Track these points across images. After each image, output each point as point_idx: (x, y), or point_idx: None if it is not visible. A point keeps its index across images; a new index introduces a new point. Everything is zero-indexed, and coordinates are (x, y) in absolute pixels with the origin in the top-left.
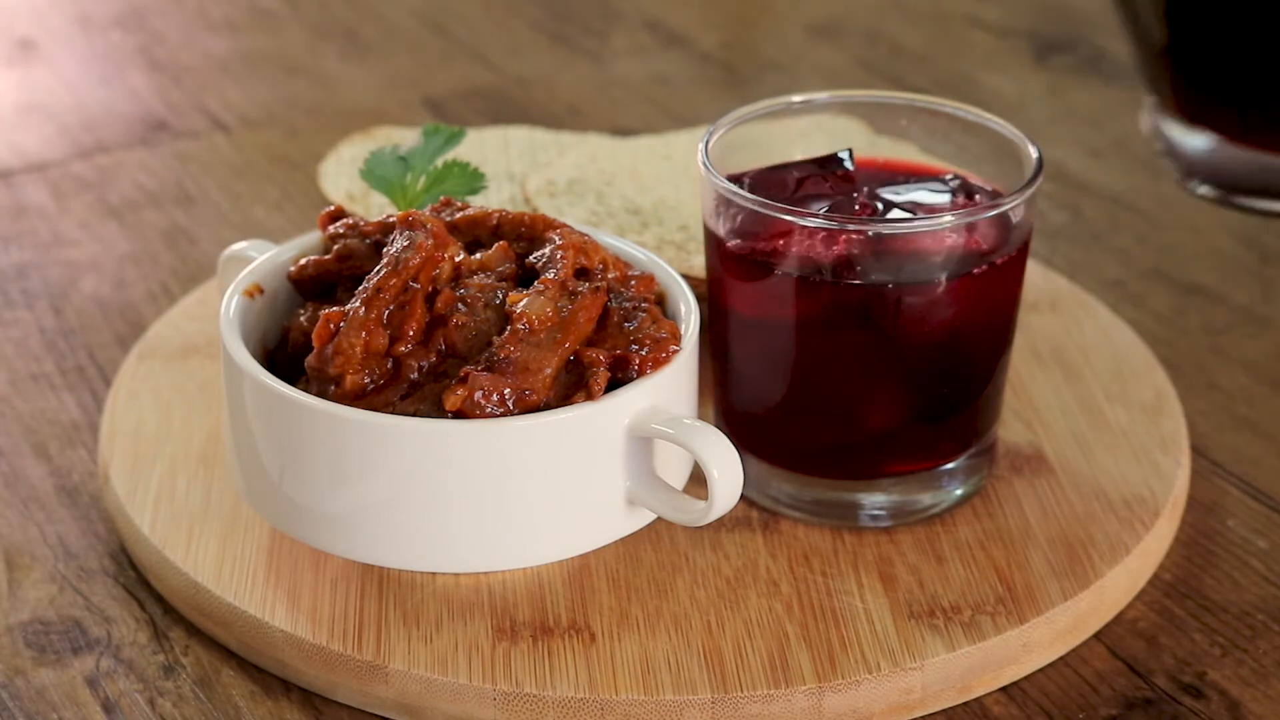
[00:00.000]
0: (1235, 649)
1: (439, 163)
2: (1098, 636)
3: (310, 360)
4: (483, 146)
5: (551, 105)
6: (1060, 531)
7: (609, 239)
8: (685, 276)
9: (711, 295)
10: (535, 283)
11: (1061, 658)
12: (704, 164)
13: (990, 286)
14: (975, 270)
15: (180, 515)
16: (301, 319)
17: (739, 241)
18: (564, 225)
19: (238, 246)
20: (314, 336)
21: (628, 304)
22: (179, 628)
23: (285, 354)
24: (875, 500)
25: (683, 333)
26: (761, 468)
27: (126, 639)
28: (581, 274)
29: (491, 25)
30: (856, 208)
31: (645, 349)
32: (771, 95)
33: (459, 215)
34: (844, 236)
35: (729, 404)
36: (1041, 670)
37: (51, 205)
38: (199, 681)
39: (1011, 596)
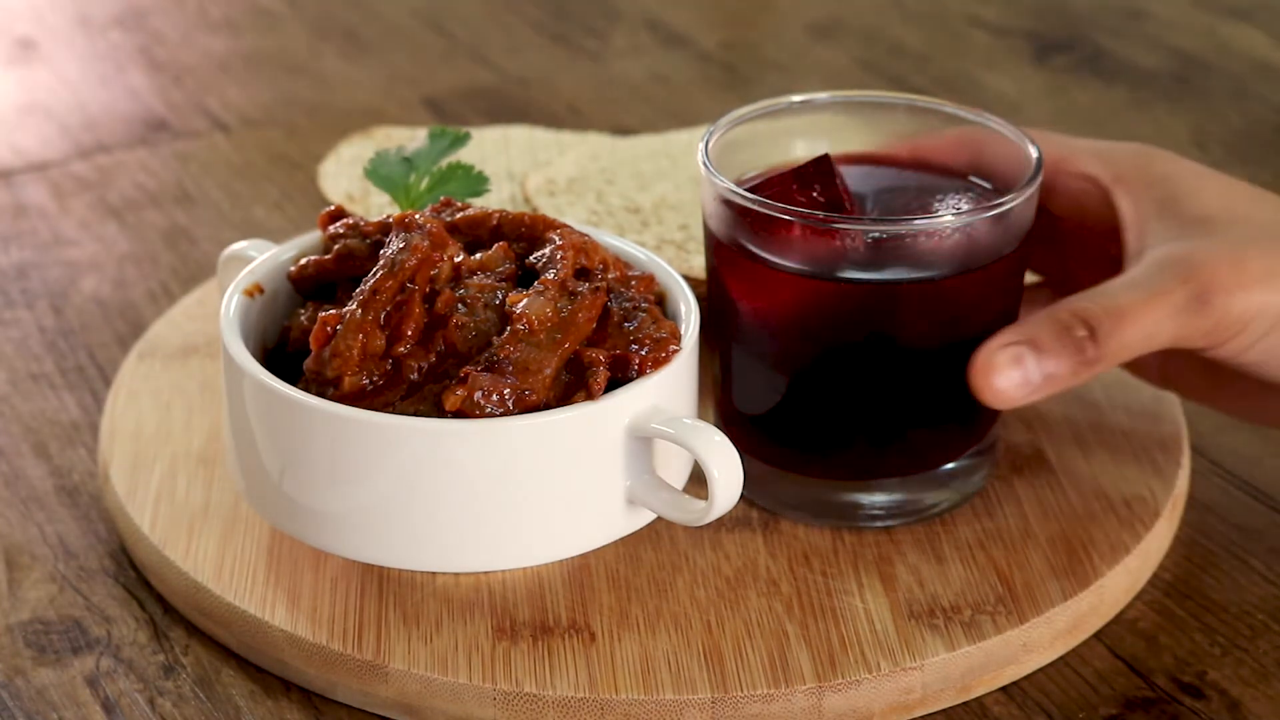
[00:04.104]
0: (1235, 649)
1: (442, 164)
2: (1098, 636)
3: (308, 363)
4: (483, 146)
5: (551, 105)
6: (1060, 531)
7: (609, 239)
8: (684, 277)
9: (711, 295)
10: (535, 283)
11: (1061, 658)
12: (704, 164)
13: (991, 285)
14: (976, 269)
15: (180, 515)
16: (301, 319)
17: (738, 241)
18: (564, 225)
19: (238, 246)
20: (311, 339)
21: (628, 304)
22: (179, 628)
23: (285, 354)
24: (875, 500)
25: (683, 333)
26: (761, 468)
27: (126, 639)
28: (581, 274)
29: (491, 25)
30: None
31: (645, 349)
32: (771, 95)
33: (459, 215)
34: (844, 236)
35: (729, 404)
36: (1041, 670)
37: (51, 205)
38: (199, 681)
39: (1011, 596)
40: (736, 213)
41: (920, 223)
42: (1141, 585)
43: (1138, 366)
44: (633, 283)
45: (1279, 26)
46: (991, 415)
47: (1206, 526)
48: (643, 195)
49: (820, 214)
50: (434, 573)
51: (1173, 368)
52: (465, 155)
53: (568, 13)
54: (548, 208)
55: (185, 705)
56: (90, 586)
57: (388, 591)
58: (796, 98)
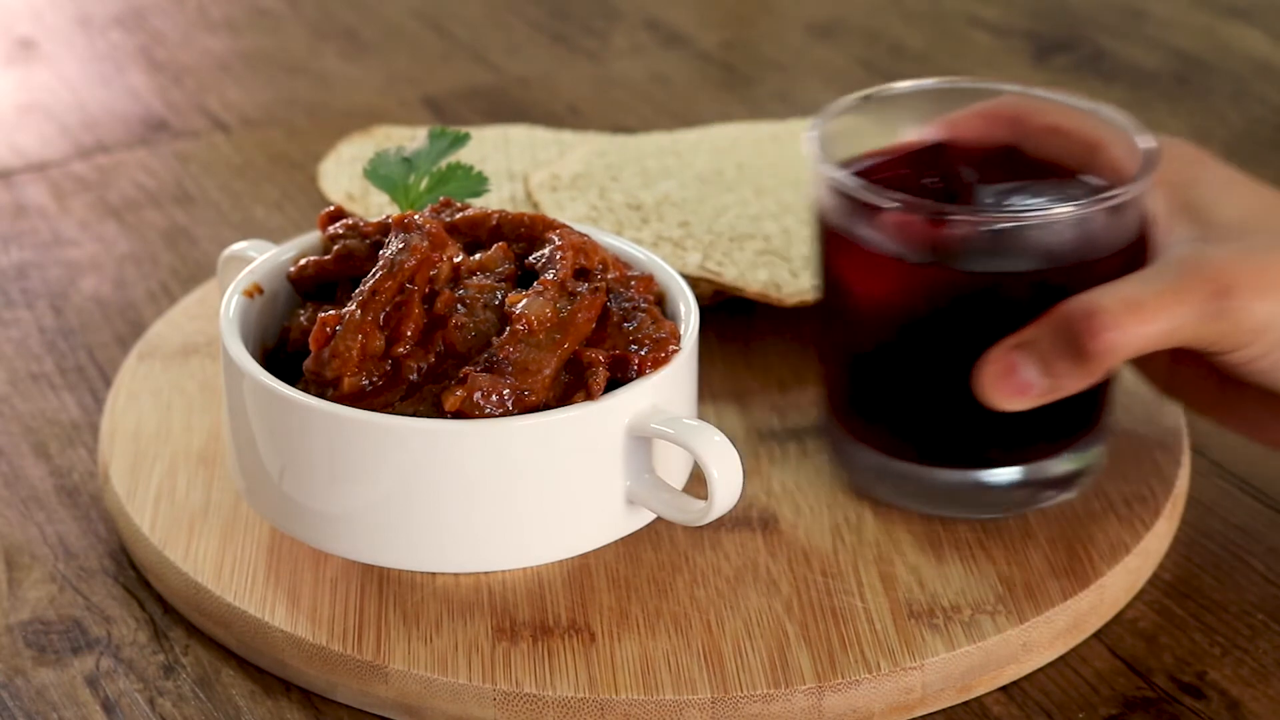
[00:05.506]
0: (1235, 649)
1: (442, 164)
2: (1098, 636)
3: (308, 364)
4: (483, 146)
5: (551, 105)
6: (1060, 531)
7: (609, 239)
8: (681, 274)
9: (828, 290)
10: (534, 283)
11: (1061, 657)
12: (815, 153)
13: (1107, 278)
14: (1096, 259)
15: (180, 515)
16: (301, 319)
17: (851, 230)
18: (563, 226)
19: (238, 246)
20: (310, 340)
21: (627, 304)
22: (179, 628)
23: (285, 354)
24: (994, 487)
25: (682, 333)
26: (883, 461)
27: (126, 639)
28: (581, 274)
29: (491, 25)
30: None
31: (645, 349)
32: (771, 95)
33: (458, 216)
34: (960, 225)
35: (842, 395)
36: (1041, 670)
37: (51, 205)
38: (199, 681)
39: (1011, 596)
40: (849, 202)
41: (1037, 212)
42: (1141, 585)
43: (1147, 372)
44: (632, 283)
45: (1279, 26)
46: (1106, 399)
47: (1206, 526)
48: (646, 193)
49: (939, 203)
50: (434, 573)
51: (1181, 377)
52: (465, 155)
53: (568, 13)
54: (549, 203)
55: (185, 705)
56: (90, 586)
57: (388, 591)
58: (901, 85)
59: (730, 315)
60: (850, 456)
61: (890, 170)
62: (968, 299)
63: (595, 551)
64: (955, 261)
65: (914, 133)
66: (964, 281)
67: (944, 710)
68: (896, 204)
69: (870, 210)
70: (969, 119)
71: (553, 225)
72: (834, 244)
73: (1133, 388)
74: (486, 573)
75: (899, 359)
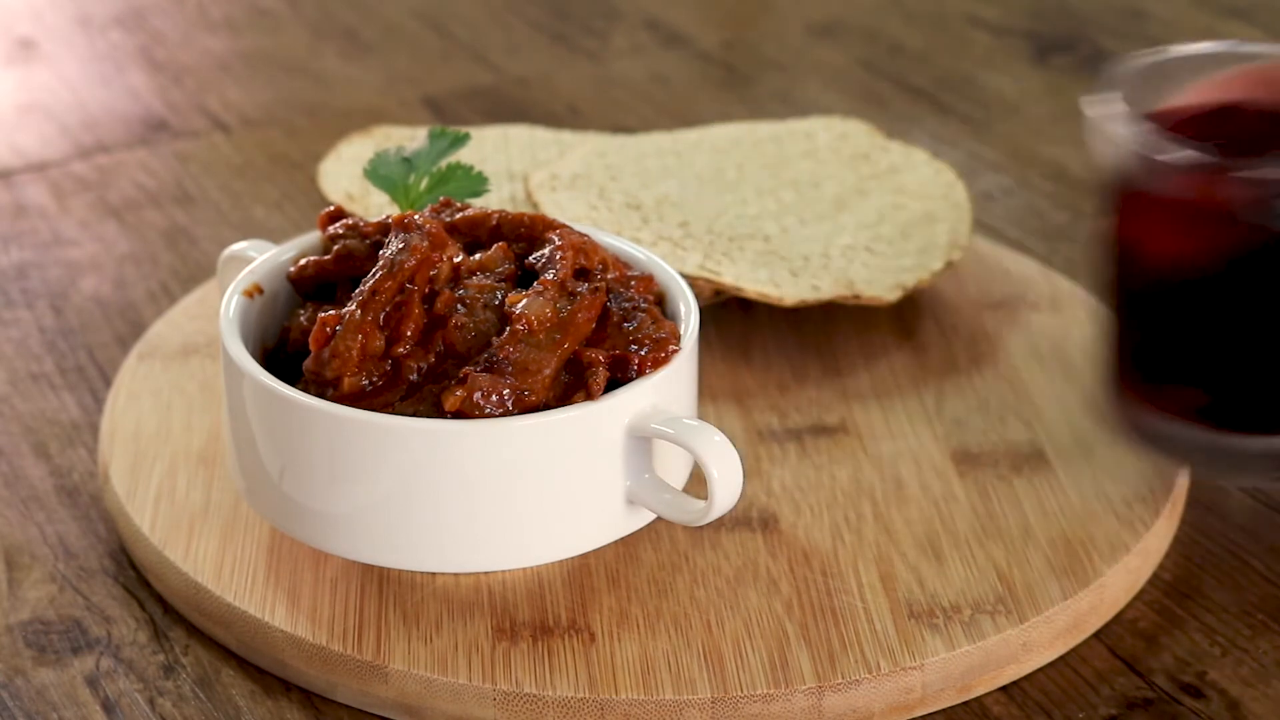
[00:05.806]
0: (1235, 649)
1: (442, 164)
2: (1098, 636)
3: (308, 364)
4: (482, 146)
5: (551, 105)
6: (1060, 531)
7: (609, 239)
8: (681, 275)
9: (1123, 258)
10: (534, 283)
11: (1061, 657)
12: (1118, 117)
13: None
14: None
15: (180, 515)
16: (301, 319)
17: (1150, 187)
18: (563, 226)
19: (238, 246)
20: (310, 340)
21: (627, 304)
22: (179, 628)
23: (285, 354)
24: None
25: (682, 333)
26: (1183, 429)
27: (126, 639)
28: (581, 274)
29: (491, 25)
30: None
31: (645, 349)
32: (771, 95)
33: (458, 216)
34: (1258, 183)
35: (1145, 369)
36: (1041, 670)
37: (51, 205)
38: (199, 681)
39: (1011, 596)
40: (1155, 164)
41: None
42: (1141, 585)
43: None
44: (632, 283)
45: (1279, 26)
46: None
47: (1206, 526)
48: (645, 193)
49: (1261, 160)
50: (434, 573)
51: None
52: (465, 155)
53: (568, 13)
54: (549, 203)
55: (185, 705)
56: (90, 586)
57: (388, 591)
58: (1183, 48)
59: (730, 315)
60: (1147, 426)
61: (1179, 132)
62: (1275, 257)
63: (595, 551)
64: (1263, 220)
65: (1185, 96)
66: (1271, 239)
67: (944, 710)
68: (1224, 162)
69: (1175, 170)
70: (1241, 80)
71: (553, 225)
72: (1133, 207)
73: None
74: (486, 573)
75: (1206, 322)
